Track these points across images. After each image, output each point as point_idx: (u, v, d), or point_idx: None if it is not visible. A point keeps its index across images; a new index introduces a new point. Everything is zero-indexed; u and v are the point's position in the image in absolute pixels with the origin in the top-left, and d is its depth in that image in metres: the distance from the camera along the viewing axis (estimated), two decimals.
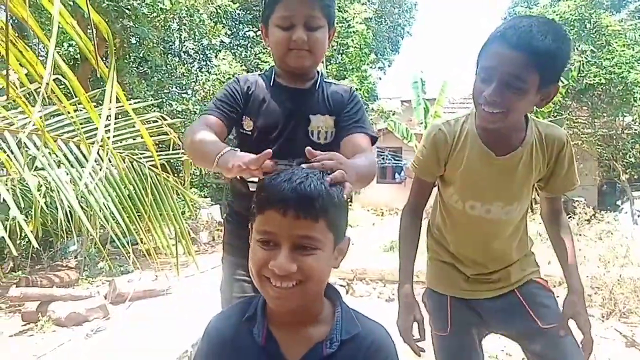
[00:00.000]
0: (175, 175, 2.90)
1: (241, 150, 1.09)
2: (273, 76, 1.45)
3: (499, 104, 1.30)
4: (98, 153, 2.23)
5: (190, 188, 9.54)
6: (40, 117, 1.68)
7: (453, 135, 1.50)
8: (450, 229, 1.61)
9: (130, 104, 1.84)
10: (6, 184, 2.31)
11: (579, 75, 12.14)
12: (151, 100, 7.69)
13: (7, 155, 2.11)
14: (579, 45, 12.80)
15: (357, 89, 11.35)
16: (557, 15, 13.11)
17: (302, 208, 0.80)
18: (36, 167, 2.26)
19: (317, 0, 1.33)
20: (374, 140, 1.43)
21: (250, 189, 1.38)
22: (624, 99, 11.59)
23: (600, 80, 11.96)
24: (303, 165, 0.87)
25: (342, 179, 0.86)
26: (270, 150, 0.90)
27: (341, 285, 5.49)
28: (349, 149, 1.34)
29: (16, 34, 1.37)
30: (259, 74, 1.49)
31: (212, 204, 9.35)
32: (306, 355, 0.87)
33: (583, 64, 12.46)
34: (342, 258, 0.92)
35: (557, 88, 1.37)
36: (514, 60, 1.26)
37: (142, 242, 2.50)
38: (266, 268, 0.83)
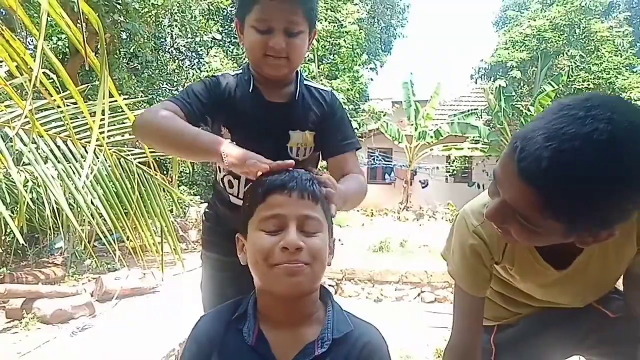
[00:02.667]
0: (164, 173, 2.88)
1: None
2: (252, 81, 1.31)
3: (502, 228, 0.93)
4: (86, 149, 2.20)
5: (179, 186, 9.47)
6: (30, 111, 1.66)
7: (494, 241, 1.12)
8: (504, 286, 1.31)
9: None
10: None
11: (568, 79, 12.32)
12: (141, 96, 7.63)
13: None
14: (569, 50, 12.98)
15: (348, 89, 11.39)
16: (547, 20, 13.28)
17: (305, 189, 0.88)
18: (22, 162, 2.23)
19: (300, 4, 1.20)
20: (357, 148, 1.38)
21: (228, 190, 1.37)
22: None
23: (588, 85, 12.15)
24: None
25: (329, 196, 0.94)
26: (292, 162, 0.95)
27: (330, 285, 5.50)
28: (337, 170, 1.29)
29: (3, 26, 1.34)
30: (238, 75, 1.35)
31: (201, 202, 9.28)
32: (297, 355, 0.86)
33: (572, 68, 12.65)
34: (332, 257, 0.94)
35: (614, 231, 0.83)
36: (519, 191, 0.80)
37: (128, 240, 2.47)
38: (274, 253, 0.84)
